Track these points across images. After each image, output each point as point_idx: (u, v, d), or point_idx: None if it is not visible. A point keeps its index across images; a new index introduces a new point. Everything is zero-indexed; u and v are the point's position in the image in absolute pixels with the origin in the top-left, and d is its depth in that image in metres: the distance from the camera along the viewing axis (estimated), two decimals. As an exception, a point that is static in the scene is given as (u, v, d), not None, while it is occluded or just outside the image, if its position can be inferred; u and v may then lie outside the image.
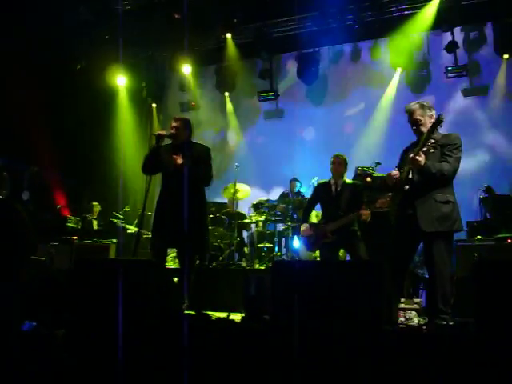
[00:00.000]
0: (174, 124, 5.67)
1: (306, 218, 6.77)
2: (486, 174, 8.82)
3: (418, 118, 4.74)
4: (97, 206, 10.28)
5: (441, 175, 4.54)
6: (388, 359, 3.15)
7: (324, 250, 6.51)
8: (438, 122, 4.52)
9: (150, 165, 5.53)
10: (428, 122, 4.72)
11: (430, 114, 4.77)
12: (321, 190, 6.65)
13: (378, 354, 3.19)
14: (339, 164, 6.51)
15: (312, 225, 6.65)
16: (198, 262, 6.51)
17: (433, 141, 4.54)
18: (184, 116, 6.08)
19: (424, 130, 4.69)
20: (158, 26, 10.83)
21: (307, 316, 3.62)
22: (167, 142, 5.74)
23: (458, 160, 4.64)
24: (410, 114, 4.79)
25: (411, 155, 4.57)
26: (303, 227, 6.60)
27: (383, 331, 3.31)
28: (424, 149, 4.52)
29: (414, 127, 4.78)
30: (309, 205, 6.86)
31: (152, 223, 5.69)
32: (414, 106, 4.80)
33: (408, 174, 4.70)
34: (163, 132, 5.62)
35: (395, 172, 4.83)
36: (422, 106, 4.78)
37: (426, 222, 4.55)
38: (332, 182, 6.55)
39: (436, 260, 4.52)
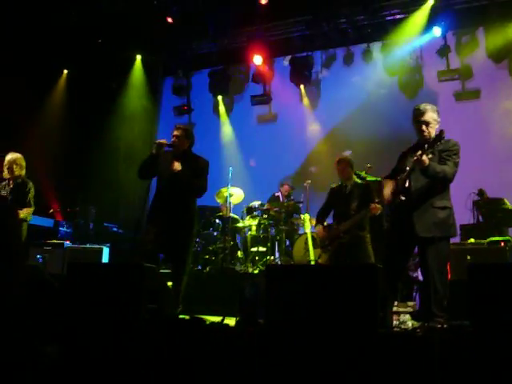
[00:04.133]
0: (175, 132, 5.73)
1: (320, 220, 6.74)
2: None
3: (429, 120, 4.71)
4: (91, 211, 10.25)
5: (444, 176, 4.55)
6: (383, 363, 3.15)
7: (336, 253, 6.48)
8: (442, 136, 4.51)
9: (147, 170, 5.62)
10: (435, 126, 4.72)
11: (438, 119, 4.76)
12: (333, 193, 6.71)
13: (373, 357, 3.18)
14: (344, 167, 6.56)
15: (325, 226, 6.66)
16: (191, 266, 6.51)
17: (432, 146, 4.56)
18: (184, 124, 6.11)
19: (431, 131, 4.68)
20: (151, 29, 10.83)
21: (302, 320, 3.61)
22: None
23: (457, 165, 4.65)
24: (421, 113, 4.73)
25: (415, 157, 4.54)
26: (317, 229, 6.65)
27: (378, 335, 3.31)
28: (429, 154, 4.51)
29: (423, 127, 4.71)
30: (324, 208, 6.80)
31: (145, 227, 5.71)
32: (427, 106, 4.76)
33: (404, 182, 4.69)
34: (164, 140, 5.66)
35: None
36: (434, 110, 4.76)
37: (422, 228, 4.57)
38: (343, 184, 6.62)
39: (431, 264, 4.53)
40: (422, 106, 4.78)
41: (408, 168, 4.67)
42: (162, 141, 5.66)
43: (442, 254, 4.61)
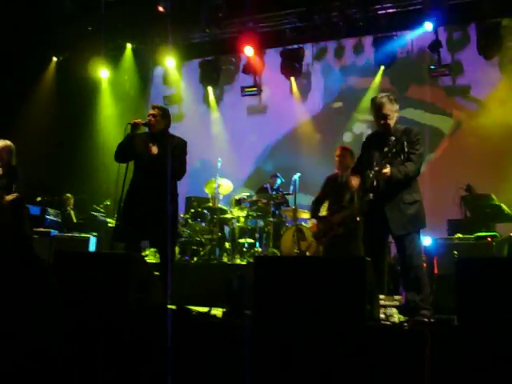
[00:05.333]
0: (151, 112, 5.58)
1: (313, 213, 6.69)
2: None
3: (388, 112, 4.72)
4: (71, 198, 10.20)
5: (407, 178, 4.61)
6: (371, 355, 3.16)
7: (330, 245, 6.44)
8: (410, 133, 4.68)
9: (124, 153, 5.47)
10: (394, 116, 4.76)
11: (396, 108, 4.79)
12: (328, 183, 6.62)
13: (361, 350, 3.19)
14: (344, 156, 6.48)
15: (319, 219, 6.62)
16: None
17: (394, 138, 4.59)
18: (160, 105, 5.94)
19: (391, 123, 4.71)
20: (141, 18, 10.75)
21: (289, 311, 3.61)
22: (143, 130, 5.67)
23: (421, 155, 4.73)
24: (379, 107, 4.74)
25: (377, 168, 4.61)
26: (311, 223, 6.59)
27: (366, 327, 3.32)
28: (385, 149, 4.57)
29: (382, 121, 4.74)
30: (318, 197, 6.71)
31: (121, 213, 5.53)
32: (383, 99, 4.76)
33: (372, 182, 4.72)
34: (139, 120, 5.52)
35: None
36: (390, 100, 4.76)
37: (397, 226, 4.65)
38: (338, 174, 6.53)
39: (410, 258, 4.62)
40: (378, 100, 4.78)
41: (375, 165, 4.69)
42: (136, 120, 5.51)
43: (418, 246, 4.74)
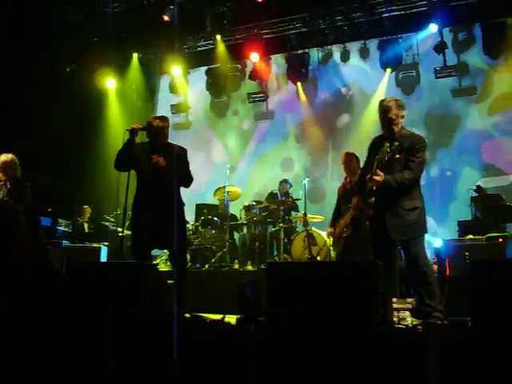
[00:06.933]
0: (161, 124, 5.51)
1: (332, 220, 6.71)
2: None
3: (393, 117, 4.70)
4: (88, 210, 10.23)
5: (402, 186, 4.58)
6: (385, 359, 3.16)
7: (344, 250, 6.42)
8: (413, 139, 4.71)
9: (124, 161, 5.40)
10: (400, 121, 4.73)
11: (402, 113, 4.76)
12: (340, 192, 6.68)
13: (376, 353, 3.19)
14: (349, 162, 6.53)
15: (334, 225, 6.65)
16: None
17: (397, 143, 4.58)
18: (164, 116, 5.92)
19: (395, 128, 4.70)
20: (147, 27, 10.81)
21: (303, 317, 3.62)
22: (143, 139, 5.67)
23: (422, 163, 4.68)
24: (385, 111, 4.71)
25: (369, 175, 4.62)
26: (329, 230, 6.65)
27: (380, 331, 3.32)
28: (389, 154, 4.57)
29: (387, 125, 4.73)
30: (336, 209, 6.75)
31: (130, 227, 5.51)
32: (390, 103, 4.74)
33: (371, 187, 4.72)
34: (136, 125, 5.44)
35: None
36: (398, 105, 4.74)
37: (396, 232, 4.64)
38: (347, 179, 6.59)
39: (417, 262, 4.61)
40: (386, 103, 4.76)
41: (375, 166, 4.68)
42: (134, 126, 5.43)
43: (422, 250, 4.70)
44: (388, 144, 4.59)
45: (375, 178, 4.54)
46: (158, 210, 5.29)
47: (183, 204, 5.58)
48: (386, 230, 4.65)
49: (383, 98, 5.06)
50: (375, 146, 4.89)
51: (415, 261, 4.62)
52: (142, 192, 5.44)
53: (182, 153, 5.56)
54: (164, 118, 5.67)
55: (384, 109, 4.73)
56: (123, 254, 5.99)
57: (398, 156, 4.61)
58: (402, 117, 4.76)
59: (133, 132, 5.36)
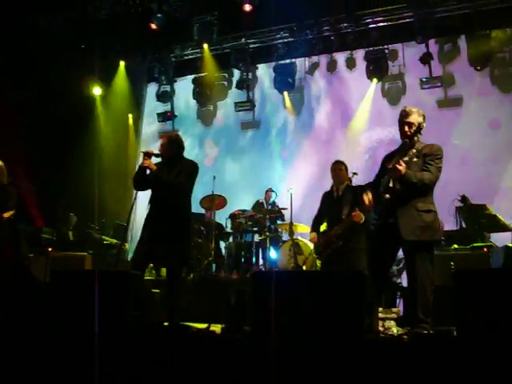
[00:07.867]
0: (160, 142, 5.73)
1: (314, 227, 6.69)
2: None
3: (413, 121, 4.69)
4: (73, 218, 10.15)
5: (422, 184, 4.53)
6: (370, 369, 3.15)
7: (329, 259, 6.42)
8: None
9: (139, 181, 5.59)
10: (418, 129, 4.71)
11: (421, 121, 4.74)
12: (325, 199, 6.68)
13: (360, 363, 3.18)
14: (339, 170, 6.56)
15: (320, 233, 6.63)
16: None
17: (415, 150, 4.57)
18: (168, 132, 6.06)
19: (413, 134, 4.68)
20: (134, 35, 10.81)
21: (288, 326, 3.60)
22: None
23: (439, 170, 4.64)
24: (407, 114, 4.71)
25: (391, 164, 4.58)
26: (311, 235, 6.62)
27: (365, 341, 3.31)
28: (406, 158, 4.52)
29: (406, 129, 4.70)
30: (318, 215, 6.74)
31: (139, 243, 5.61)
32: (413, 109, 4.75)
33: (389, 182, 4.69)
34: (151, 150, 5.65)
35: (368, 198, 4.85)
36: (420, 114, 4.75)
37: (407, 231, 4.53)
38: (334, 188, 6.60)
39: (417, 269, 4.50)
40: (408, 108, 4.77)
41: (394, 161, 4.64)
42: (148, 150, 5.65)
43: (430, 258, 4.62)
44: (414, 150, 4.54)
45: (398, 167, 4.44)
46: (157, 225, 5.35)
47: (188, 218, 5.61)
48: (395, 230, 4.55)
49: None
50: (391, 157, 4.86)
51: (417, 269, 4.50)
52: (150, 207, 5.57)
53: (188, 165, 5.63)
54: (162, 136, 5.83)
55: (405, 113, 4.73)
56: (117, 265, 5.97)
57: (415, 159, 4.55)
58: (421, 126, 4.74)
59: (146, 155, 5.50)
